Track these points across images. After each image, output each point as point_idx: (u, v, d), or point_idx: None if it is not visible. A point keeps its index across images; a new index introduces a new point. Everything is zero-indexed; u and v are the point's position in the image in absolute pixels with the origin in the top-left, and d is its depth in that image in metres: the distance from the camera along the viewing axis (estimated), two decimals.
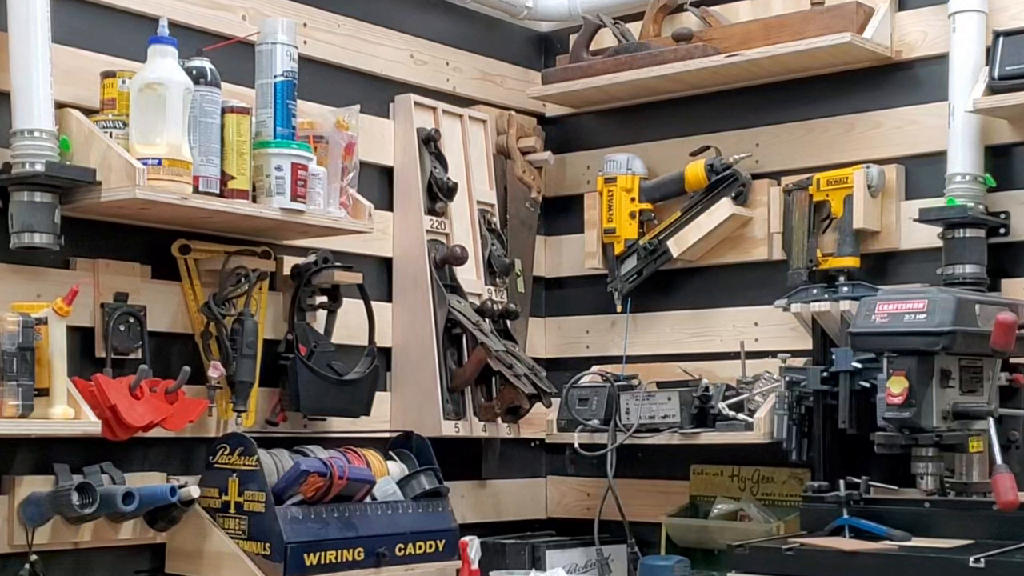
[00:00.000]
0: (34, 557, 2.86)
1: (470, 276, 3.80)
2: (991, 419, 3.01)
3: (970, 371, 3.06)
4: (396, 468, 3.40)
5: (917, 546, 3.05)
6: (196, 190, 2.95)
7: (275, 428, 3.36)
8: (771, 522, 3.53)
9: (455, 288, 3.73)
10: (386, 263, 3.73)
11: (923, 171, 3.51)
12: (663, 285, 3.93)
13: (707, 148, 3.78)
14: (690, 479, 3.83)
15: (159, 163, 2.86)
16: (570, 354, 4.13)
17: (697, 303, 3.89)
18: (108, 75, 2.98)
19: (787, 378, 3.42)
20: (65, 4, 3.00)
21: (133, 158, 2.85)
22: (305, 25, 3.49)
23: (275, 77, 3.13)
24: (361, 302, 3.49)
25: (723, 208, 3.72)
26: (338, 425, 3.50)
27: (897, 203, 3.53)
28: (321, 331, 3.43)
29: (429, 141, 3.73)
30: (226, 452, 3.12)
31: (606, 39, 3.98)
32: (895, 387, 2.95)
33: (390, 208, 3.74)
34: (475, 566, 3.51)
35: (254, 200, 3.09)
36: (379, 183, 3.71)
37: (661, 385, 3.67)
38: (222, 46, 3.20)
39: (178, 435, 3.12)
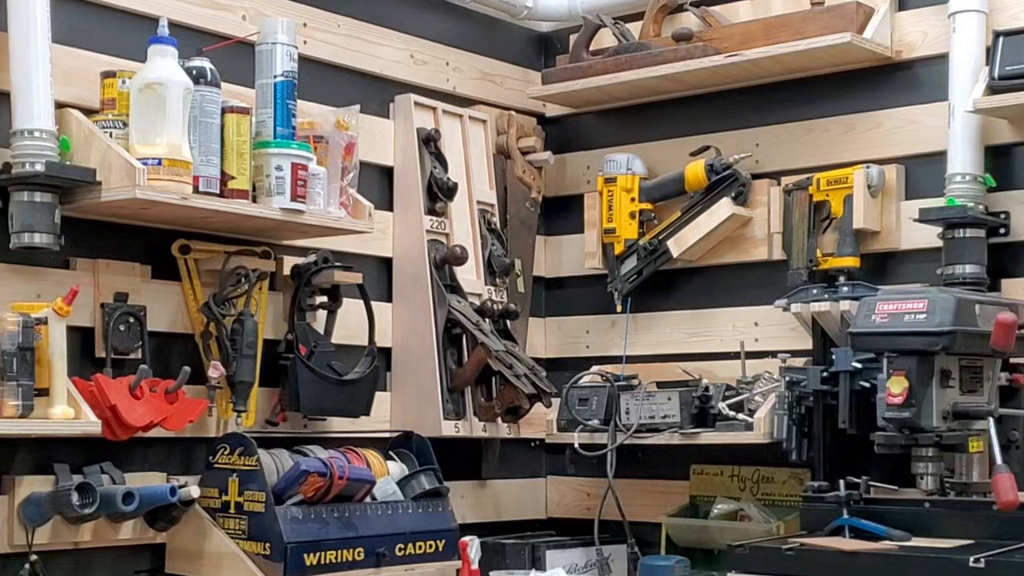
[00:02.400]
0: (34, 557, 2.86)
1: (470, 276, 3.80)
2: (991, 419, 3.01)
3: (970, 371, 3.06)
4: (396, 468, 3.40)
5: (917, 546, 3.05)
6: (196, 190, 2.95)
7: (275, 428, 3.36)
8: (771, 522, 3.53)
9: (455, 288, 3.73)
10: (386, 263, 3.73)
11: (923, 171, 3.51)
12: (663, 285, 3.93)
13: (707, 148, 3.78)
14: (690, 479, 3.83)
15: (159, 163, 2.87)
16: (570, 354, 4.13)
17: (697, 303, 3.89)
18: (108, 75, 2.99)
19: (787, 378, 3.41)
20: (65, 4, 3.00)
21: (133, 158, 2.85)
22: (305, 25, 3.49)
23: (275, 77, 3.13)
24: (361, 302, 3.49)
25: (723, 208, 3.72)
26: (338, 425, 3.50)
27: (897, 203, 3.53)
28: (321, 331, 3.43)
29: (429, 141, 3.73)
30: (226, 452, 3.12)
31: (606, 39, 3.98)
32: (895, 387, 2.95)
33: (390, 208, 3.74)
34: (475, 566, 3.51)
35: (254, 200, 3.09)
36: (379, 183, 3.71)
37: (661, 385, 3.67)
38: (222, 46, 3.20)
39: (178, 435, 3.12)
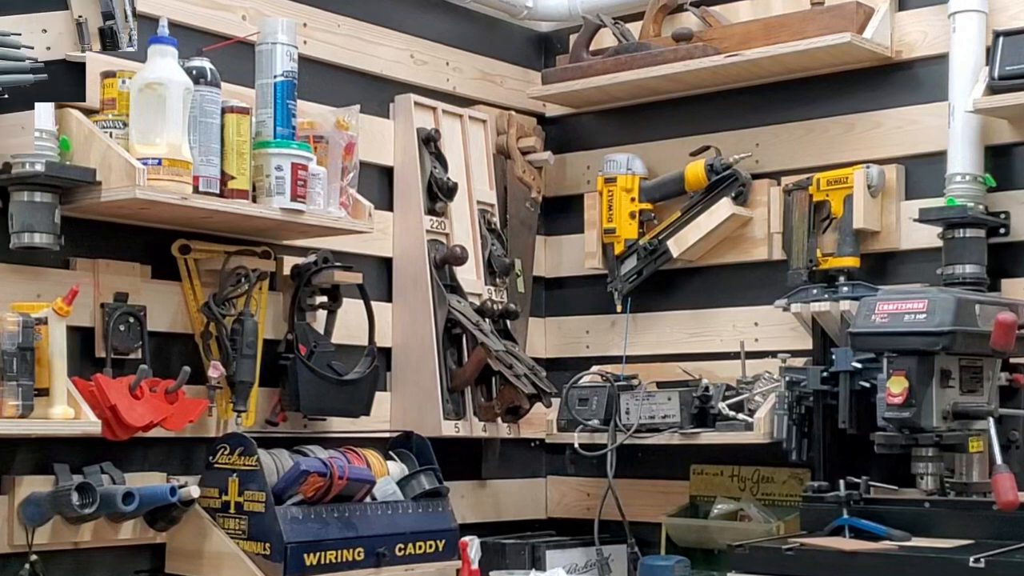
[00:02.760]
0: (34, 557, 2.86)
1: (470, 276, 3.80)
2: (991, 419, 3.01)
3: (970, 371, 3.06)
4: (396, 468, 3.40)
5: (917, 546, 3.05)
6: (196, 190, 2.95)
7: (275, 428, 3.36)
8: (771, 522, 3.53)
9: (455, 288, 3.73)
10: (386, 263, 3.73)
11: (923, 171, 3.51)
12: (663, 285, 3.92)
13: (707, 148, 3.78)
14: (690, 479, 3.83)
15: (159, 163, 2.87)
16: (570, 354, 4.13)
17: (697, 303, 3.89)
18: (108, 75, 2.98)
19: (787, 378, 3.41)
20: None
21: (133, 158, 2.85)
22: (305, 25, 3.49)
23: (275, 77, 3.13)
24: (361, 302, 3.49)
25: (723, 208, 3.72)
26: (338, 425, 3.50)
27: (897, 203, 3.53)
28: (321, 331, 3.43)
29: (429, 141, 3.73)
30: (226, 452, 3.12)
31: (606, 39, 3.98)
32: (895, 387, 2.95)
33: (390, 208, 3.74)
34: (475, 566, 3.51)
35: (254, 200, 3.09)
36: (379, 183, 3.71)
37: (661, 385, 3.67)
38: (222, 46, 3.20)
39: (178, 435, 3.12)
